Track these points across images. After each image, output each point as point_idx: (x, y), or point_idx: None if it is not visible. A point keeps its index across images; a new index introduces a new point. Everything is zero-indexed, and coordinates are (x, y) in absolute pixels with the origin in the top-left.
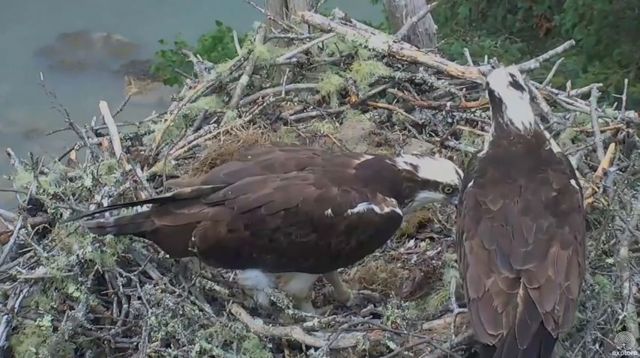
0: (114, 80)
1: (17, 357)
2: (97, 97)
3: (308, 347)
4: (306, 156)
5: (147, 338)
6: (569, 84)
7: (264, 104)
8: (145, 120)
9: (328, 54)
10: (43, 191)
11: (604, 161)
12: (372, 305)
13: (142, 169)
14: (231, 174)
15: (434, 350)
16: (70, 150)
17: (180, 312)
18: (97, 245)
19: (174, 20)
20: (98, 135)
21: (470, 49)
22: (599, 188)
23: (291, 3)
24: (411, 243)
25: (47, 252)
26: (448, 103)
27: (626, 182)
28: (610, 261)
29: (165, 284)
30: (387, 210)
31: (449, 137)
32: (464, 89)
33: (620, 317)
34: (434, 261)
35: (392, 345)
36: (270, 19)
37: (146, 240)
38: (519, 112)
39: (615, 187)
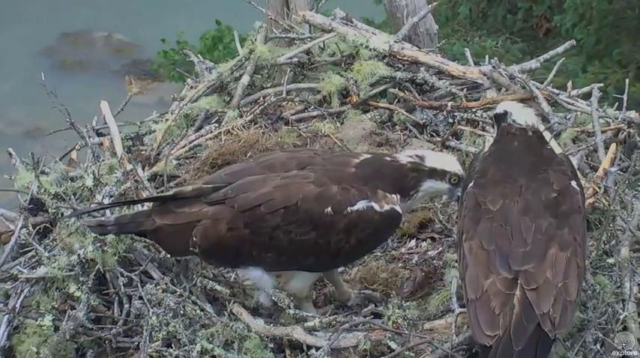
0: (115, 80)
1: (18, 357)
2: (98, 97)
3: (309, 347)
4: (306, 155)
5: (148, 337)
6: (569, 84)
7: (266, 104)
8: (146, 119)
9: (329, 54)
10: (44, 191)
11: (605, 161)
12: (373, 305)
13: (143, 169)
14: (232, 174)
15: (435, 350)
16: (71, 150)
17: (182, 312)
18: (98, 244)
19: (175, 20)
20: (99, 134)
21: (471, 49)
22: (600, 188)
23: (292, 3)
24: (412, 243)
25: (48, 252)
26: (449, 103)
27: (627, 182)
28: (611, 261)
29: (166, 284)
30: (386, 207)
31: (450, 137)
32: (465, 89)
33: (621, 317)
34: (435, 261)
35: (393, 345)
36: (271, 19)
37: (147, 240)
38: (521, 115)
39: (616, 187)
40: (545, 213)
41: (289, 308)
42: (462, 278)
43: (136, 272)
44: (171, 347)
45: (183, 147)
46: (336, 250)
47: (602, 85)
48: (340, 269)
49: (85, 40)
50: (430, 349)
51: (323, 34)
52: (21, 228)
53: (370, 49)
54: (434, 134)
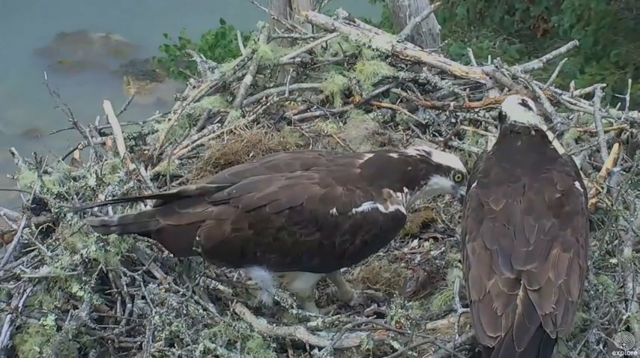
0: (113, 80)
1: (21, 356)
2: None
3: (312, 347)
4: (310, 156)
5: (151, 337)
6: (572, 84)
7: (268, 104)
8: (148, 119)
9: (332, 54)
10: (47, 190)
11: (608, 161)
12: (376, 305)
13: (145, 169)
14: (236, 174)
15: (438, 349)
16: (74, 150)
17: (184, 312)
18: (101, 244)
19: (174, 20)
20: (102, 134)
21: None
22: (602, 188)
23: (294, 3)
24: (415, 242)
25: (51, 251)
26: (452, 103)
27: (629, 182)
28: (614, 261)
29: (169, 283)
30: (391, 208)
31: (452, 137)
32: (467, 89)
33: (624, 317)
34: (437, 261)
35: (396, 345)
36: (273, 18)
37: (150, 240)
38: (522, 116)
39: (619, 187)
40: (548, 214)
41: (292, 308)
42: (466, 279)
43: (139, 272)
44: (174, 347)
45: (186, 146)
46: (340, 251)
47: (605, 86)
48: (343, 269)
49: (83, 41)
50: (433, 349)
51: (326, 33)
52: (24, 228)
53: (373, 49)
54: (436, 134)
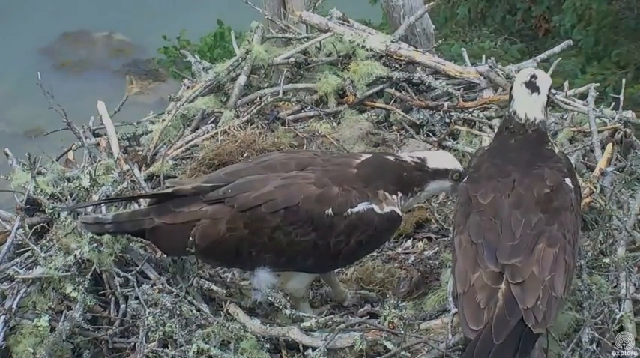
0: (115, 80)
1: (15, 357)
2: (99, 97)
3: (305, 347)
4: (306, 156)
5: (144, 338)
6: (566, 84)
7: (262, 104)
8: (142, 120)
9: (326, 54)
10: (41, 191)
11: (601, 161)
12: (370, 305)
13: (139, 169)
14: (231, 174)
15: (431, 350)
16: (68, 151)
17: (178, 312)
18: (95, 245)
19: (175, 20)
20: (96, 135)
21: (470, 50)
22: (596, 188)
23: (288, 3)
24: (409, 243)
25: (45, 252)
26: (446, 103)
27: (623, 182)
28: (607, 260)
29: (162, 284)
30: (387, 209)
31: (446, 137)
32: (461, 89)
33: (617, 316)
34: (431, 261)
35: (389, 345)
36: (267, 19)
37: (144, 240)
38: (524, 106)
39: (612, 187)
40: (536, 209)
41: (286, 308)
42: (452, 272)
43: (133, 273)
44: (168, 348)
45: (180, 147)
46: (335, 252)
47: (599, 85)
48: (337, 269)
49: (85, 40)
50: (426, 349)
51: (320, 34)
52: (17, 229)
53: (367, 49)
54: (430, 134)
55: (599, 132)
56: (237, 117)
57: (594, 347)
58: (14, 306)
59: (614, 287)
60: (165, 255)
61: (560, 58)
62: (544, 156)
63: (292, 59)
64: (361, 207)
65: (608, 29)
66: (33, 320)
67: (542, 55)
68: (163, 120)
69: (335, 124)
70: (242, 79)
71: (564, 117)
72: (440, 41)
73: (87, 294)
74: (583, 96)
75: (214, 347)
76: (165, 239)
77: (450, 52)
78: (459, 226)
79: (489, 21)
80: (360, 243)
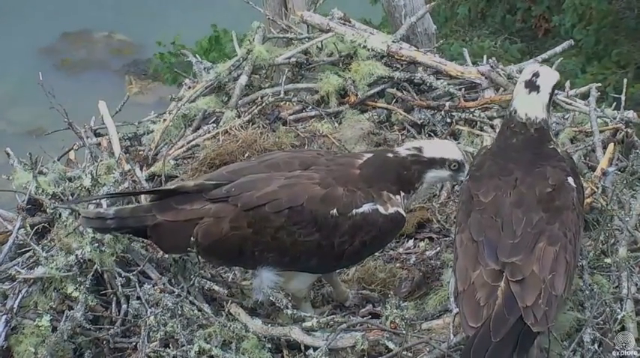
0: (115, 80)
1: (16, 357)
2: (99, 97)
3: (307, 347)
4: (309, 155)
5: (146, 338)
6: (567, 84)
7: (263, 104)
8: (143, 120)
9: (327, 54)
10: (42, 191)
11: (603, 161)
12: (371, 305)
13: (140, 169)
14: (234, 172)
15: (432, 350)
16: (69, 150)
17: (179, 312)
18: (96, 245)
19: (175, 20)
20: (97, 135)
21: (470, 50)
22: (598, 188)
23: (290, 3)
24: (410, 243)
25: (46, 252)
26: (447, 103)
27: (624, 182)
28: (609, 260)
29: (164, 284)
30: (391, 210)
31: (448, 137)
32: (463, 89)
33: (619, 316)
34: (433, 261)
35: (391, 345)
36: (269, 18)
37: (145, 240)
38: (525, 105)
39: (614, 187)
40: (537, 207)
41: (287, 308)
42: (453, 270)
43: (134, 273)
44: (169, 348)
45: (181, 147)
46: (339, 252)
47: (600, 85)
48: (339, 269)
49: (85, 40)
50: (428, 349)
51: (321, 34)
52: (19, 229)
53: (368, 49)
54: (432, 134)
55: (600, 132)
56: (239, 117)
57: (596, 348)
58: (15, 306)
59: (616, 287)
60: (166, 255)
61: (562, 58)
62: (546, 155)
63: (293, 59)
64: (366, 207)
65: (608, 29)
66: (34, 320)
67: (544, 55)
68: (164, 120)
69: (336, 124)
70: (243, 79)
71: (566, 117)
72: (440, 41)
73: (88, 294)
74: (584, 96)
75: (216, 347)
76: (167, 236)
77: (450, 51)
78: (461, 224)
79: (489, 20)
80: (364, 244)
